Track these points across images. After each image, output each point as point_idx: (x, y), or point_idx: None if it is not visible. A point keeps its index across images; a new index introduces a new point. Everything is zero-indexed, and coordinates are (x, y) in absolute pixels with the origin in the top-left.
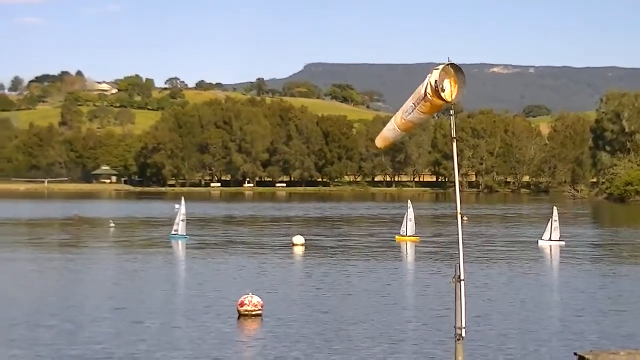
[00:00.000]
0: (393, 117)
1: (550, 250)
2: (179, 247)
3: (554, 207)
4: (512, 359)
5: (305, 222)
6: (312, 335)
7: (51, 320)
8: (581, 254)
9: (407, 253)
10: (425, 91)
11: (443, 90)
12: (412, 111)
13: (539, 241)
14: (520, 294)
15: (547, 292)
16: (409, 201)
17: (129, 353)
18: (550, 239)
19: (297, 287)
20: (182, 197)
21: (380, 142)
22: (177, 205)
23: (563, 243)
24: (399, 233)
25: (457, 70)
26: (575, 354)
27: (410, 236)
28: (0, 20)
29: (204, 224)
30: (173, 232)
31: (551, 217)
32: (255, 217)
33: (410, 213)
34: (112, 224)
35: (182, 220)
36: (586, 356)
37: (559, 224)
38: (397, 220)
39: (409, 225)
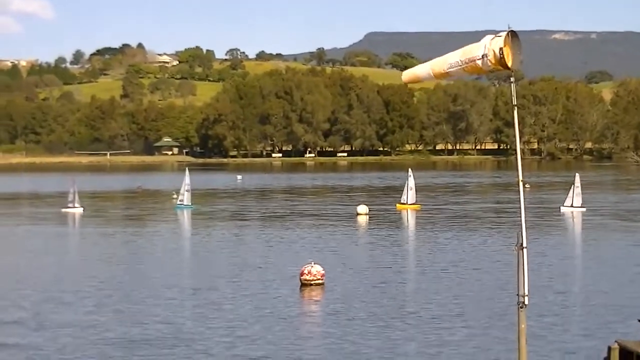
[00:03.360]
0: (430, 62)
1: (573, 216)
2: (185, 216)
3: (576, 174)
4: (575, 325)
5: (368, 192)
6: (372, 308)
7: (118, 297)
8: (603, 220)
9: (474, 223)
10: (485, 56)
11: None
12: (457, 67)
13: (561, 207)
14: (571, 263)
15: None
16: (410, 170)
17: (194, 327)
18: (572, 206)
19: (361, 257)
20: (186, 168)
21: (408, 77)
22: (239, 177)
23: (584, 209)
24: (400, 201)
25: (513, 36)
26: (639, 320)
27: (411, 204)
28: None
29: (265, 195)
30: (179, 203)
31: (573, 184)
32: (318, 187)
33: (411, 182)
34: (175, 196)
35: (186, 191)
36: None
37: (581, 190)
38: (464, 189)
39: (409, 194)
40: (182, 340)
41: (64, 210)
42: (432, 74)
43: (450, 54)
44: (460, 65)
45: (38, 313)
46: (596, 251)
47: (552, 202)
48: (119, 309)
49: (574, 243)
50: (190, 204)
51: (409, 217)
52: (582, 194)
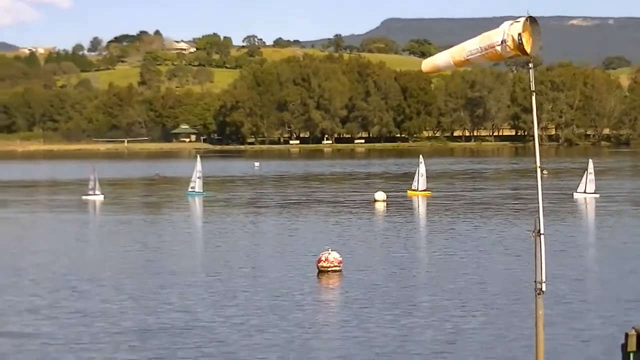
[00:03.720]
0: (450, 51)
1: (586, 202)
2: (197, 204)
3: (589, 160)
4: (592, 312)
5: (385, 178)
6: (388, 296)
7: (134, 285)
8: (617, 206)
9: (494, 211)
10: (504, 42)
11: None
12: (477, 54)
13: (574, 194)
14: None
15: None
16: (421, 156)
17: (209, 316)
18: (585, 192)
19: (378, 244)
20: (198, 156)
21: (428, 67)
22: (256, 164)
23: (598, 195)
24: (411, 188)
25: (532, 22)
26: None
27: (422, 191)
28: None
29: (283, 182)
30: (190, 190)
31: (586, 169)
32: (335, 173)
33: (422, 168)
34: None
35: (198, 178)
36: None
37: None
38: (481, 176)
39: (420, 181)
40: (197, 329)
41: (84, 197)
42: (452, 63)
43: (469, 41)
44: (480, 52)
45: (53, 301)
46: (610, 238)
47: (568, 188)
48: (133, 297)
49: (587, 230)
50: (202, 190)
51: (424, 204)
52: (599, 180)
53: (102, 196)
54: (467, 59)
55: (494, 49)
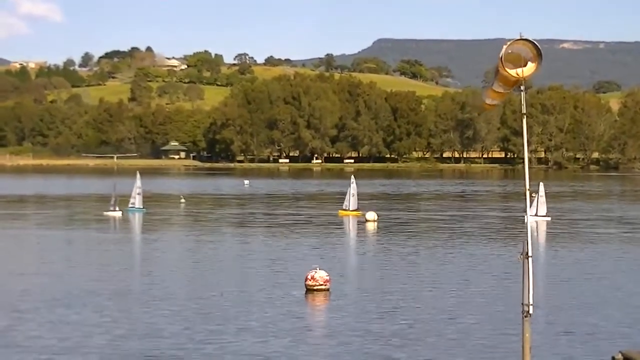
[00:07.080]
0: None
1: (537, 225)
2: (136, 219)
3: (540, 183)
4: (577, 336)
5: (376, 199)
6: (372, 316)
7: (109, 308)
8: (567, 228)
9: (474, 231)
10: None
11: (510, 66)
12: (494, 82)
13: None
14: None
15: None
16: (352, 177)
17: (200, 338)
18: (536, 215)
19: (367, 264)
20: (137, 172)
21: (483, 102)
22: (246, 182)
23: (549, 219)
24: (342, 207)
25: (533, 46)
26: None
27: (352, 211)
28: None
29: (273, 200)
30: (130, 206)
31: (537, 192)
32: (325, 193)
33: (353, 188)
34: (182, 200)
35: (138, 194)
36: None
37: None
38: (470, 198)
39: (351, 201)
40: (176, 357)
41: (106, 213)
42: (488, 96)
43: None
44: (494, 79)
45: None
46: (556, 260)
47: (522, 210)
48: (106, 321)
49: (536, 252)
50: (141, 207)
51: (419, 226)
52: (578, 202)
53: (121, 213)
54: (493, 89)
55: (499, 73)
